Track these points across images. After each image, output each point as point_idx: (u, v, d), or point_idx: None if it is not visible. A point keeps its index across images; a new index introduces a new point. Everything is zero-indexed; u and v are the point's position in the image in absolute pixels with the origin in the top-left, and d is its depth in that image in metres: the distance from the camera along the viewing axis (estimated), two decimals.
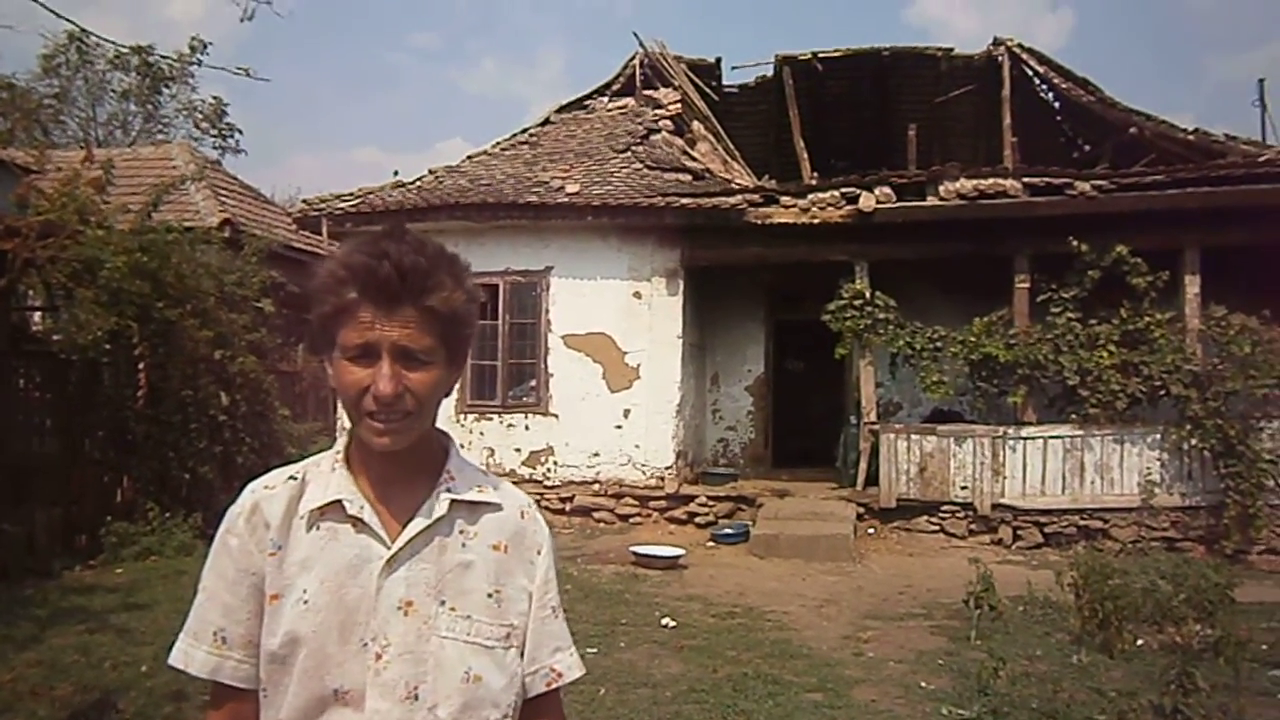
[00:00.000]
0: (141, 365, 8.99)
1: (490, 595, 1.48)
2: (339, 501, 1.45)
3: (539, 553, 1.55)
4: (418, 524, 1.45)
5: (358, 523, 1.44)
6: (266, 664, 1.43)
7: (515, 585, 1.51)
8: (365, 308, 1.38)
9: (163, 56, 24.79)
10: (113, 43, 25.09)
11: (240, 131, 28.27)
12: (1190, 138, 13.07)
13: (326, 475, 1.49)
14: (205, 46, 25.54)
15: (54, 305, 9.56)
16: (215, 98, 28.06)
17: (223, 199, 14.90)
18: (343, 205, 12.79)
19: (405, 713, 1.40)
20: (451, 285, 1.43)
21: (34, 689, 5.28)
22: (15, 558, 8.11)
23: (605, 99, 15.29)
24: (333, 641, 1.40)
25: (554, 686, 1.54)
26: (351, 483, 1.47)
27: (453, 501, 1.48)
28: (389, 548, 1.43)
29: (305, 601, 1.41)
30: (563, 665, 1.54)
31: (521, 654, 1.51)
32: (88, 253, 8.70)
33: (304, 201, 14.54)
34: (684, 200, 11.80)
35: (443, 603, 1.44)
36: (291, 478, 1.50)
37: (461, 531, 1.49)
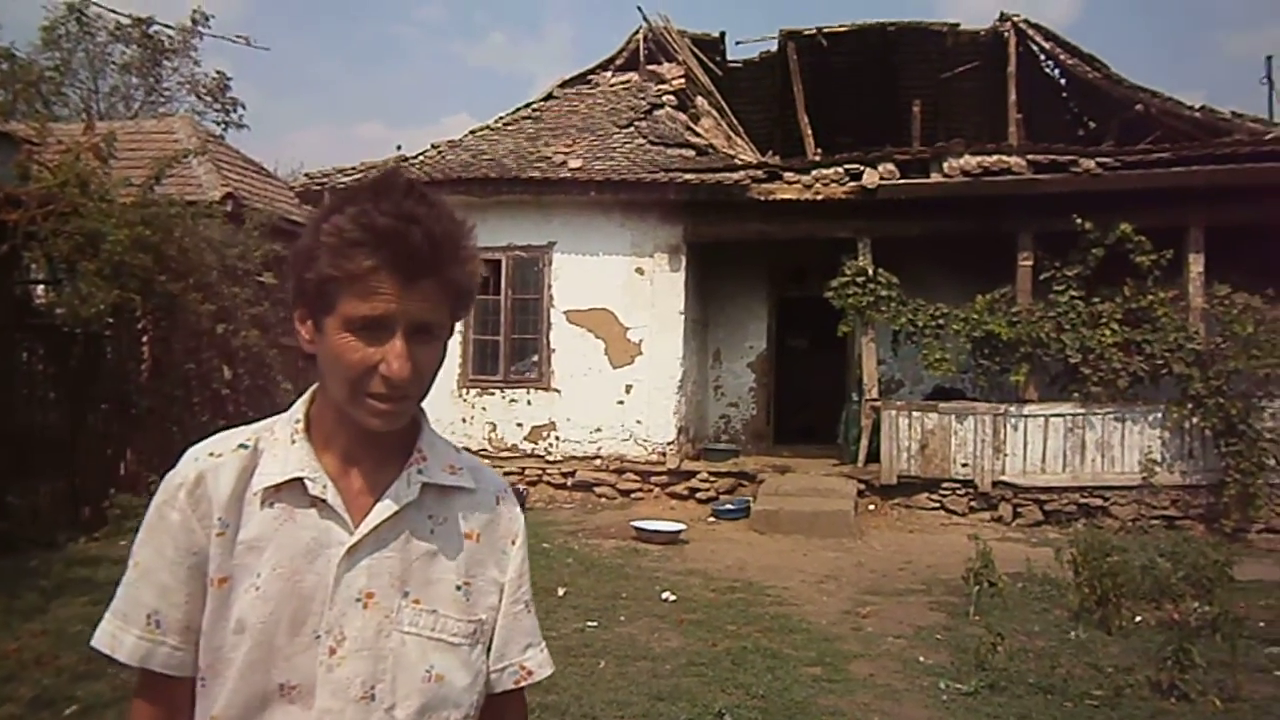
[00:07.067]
0: (144, 339, 9.01)
1: (459, 587, 1.34)
2: (300, 479, 1.29)
3: (513, 543, 1.42)
4: (384, 508, 1.30)
5: (319, 503, 1.29)
6: (208, 652, 1.27)
7: (486, 577, 1.38)
8: (383, 277, 1.20)
9: (164, 26, 24.66)
10: (114, 12, 24.91)
11: (243, 105, 28.04)
12: (1196, 115, 12.99)
13: (285, 447, 1.33)
14: (207, 19, 25.49)
15: (57, 279, 9.55)
16: (218, 71, 27.87)
17: (225, 173, 14.83)
18: (345, 179, 12.75)
19: (359, 713, 1.26)
20: (474, 254, 1.29)
21: (39, 658, 5.33)
22: (20, 529, 8.17)
23: (609, 74, 15.19)
24: (282, 633, 1.25)
25: (522, 685, 1.42)
26: (314, 458, 1.31)
27: (424, 485, 1.34)
28: (352, 533, 1.28)
29: (257, 588, 1.26)
30: (533, 663, 1.42)
31: (488, 650, 1.38)
32: (90, 226, 8.69)
33: (306, 175, 14.50)
34: (687, 176, 11.76)
35: (406, 594, 1.30)
36: (242, 445, 1.33)
37: (430, 516, 1.35)
